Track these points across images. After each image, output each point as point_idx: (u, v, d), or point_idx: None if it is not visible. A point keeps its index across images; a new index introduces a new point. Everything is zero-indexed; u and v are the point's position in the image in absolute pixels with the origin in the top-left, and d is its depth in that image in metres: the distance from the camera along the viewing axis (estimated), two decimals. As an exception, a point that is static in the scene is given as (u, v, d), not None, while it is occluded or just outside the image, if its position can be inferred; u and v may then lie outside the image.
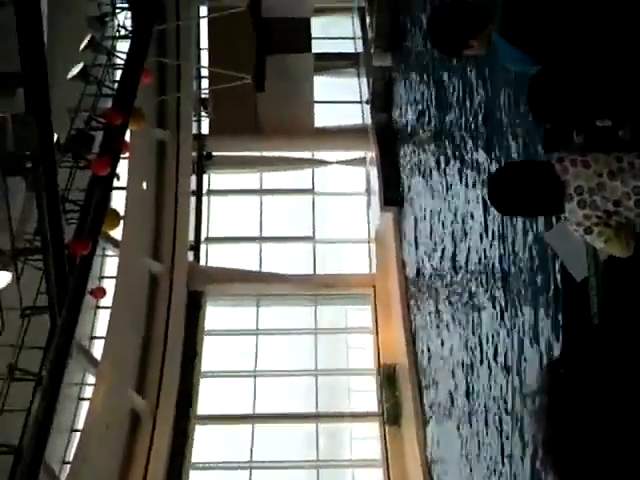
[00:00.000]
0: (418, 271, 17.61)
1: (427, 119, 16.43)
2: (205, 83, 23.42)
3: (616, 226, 3.30)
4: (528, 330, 9.83)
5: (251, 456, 18.97)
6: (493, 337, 11.65)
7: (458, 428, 13.75)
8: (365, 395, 19.94)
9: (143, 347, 18.85)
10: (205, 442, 18.92)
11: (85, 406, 16.63)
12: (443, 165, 14.82)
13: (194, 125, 22.12)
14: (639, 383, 1.31)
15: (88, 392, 17.30)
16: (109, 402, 15.98)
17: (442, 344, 15.12)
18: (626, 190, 3.27)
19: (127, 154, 15.98)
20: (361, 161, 23.04)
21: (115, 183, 14.38)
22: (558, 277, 8.19)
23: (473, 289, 12.80)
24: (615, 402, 1.34)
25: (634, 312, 3.62)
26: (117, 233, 17.36)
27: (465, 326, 13.40)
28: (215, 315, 21.33)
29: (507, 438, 10.82)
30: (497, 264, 11.23)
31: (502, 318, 11.09)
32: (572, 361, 1.46)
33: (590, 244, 3.69)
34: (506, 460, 10.90)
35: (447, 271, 14.78)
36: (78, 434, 16.07)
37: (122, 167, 15.67)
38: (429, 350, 16.46)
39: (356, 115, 23.31)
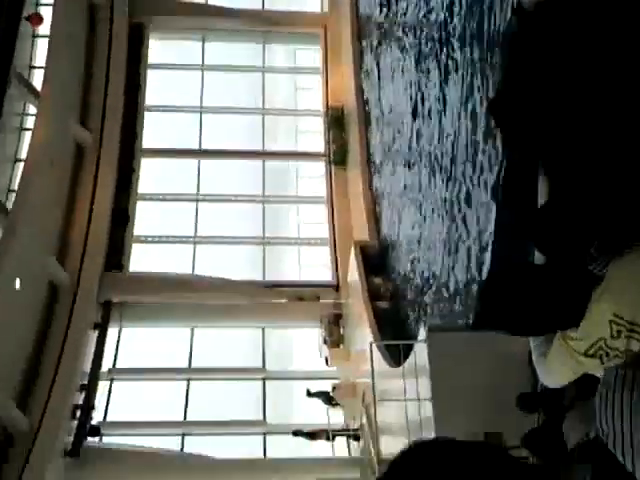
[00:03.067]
0: (372, 13, 17.11)
1: None
2: None
3: None
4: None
5: (198, 189, 19.30)
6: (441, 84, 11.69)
7: (404, 167, 14.12)
8: (312, 136, 20.05)
9: (85, 78, 18.27)
10: (151, 176, 19.08)
11: (28, 136, 16.39)
12: None
13: None
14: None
15: (30, 123, 16.95)
16: (52, 133, 15.76)
17: (393, 89, 15.09)
18: None
19: None
20: None
21: None
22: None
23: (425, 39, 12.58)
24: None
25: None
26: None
27: (417, 70, 13.33)
28: (159, 50, 20.62)
29: (449, 175, 11.24)
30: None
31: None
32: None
33: None
34: (449, 195, 11.39)
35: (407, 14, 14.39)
36: (22, 164, 15.93)
37: None
38: (378, 94, 16.45)
39: None
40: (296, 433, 14.71)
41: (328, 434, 14.27)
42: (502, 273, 2.56)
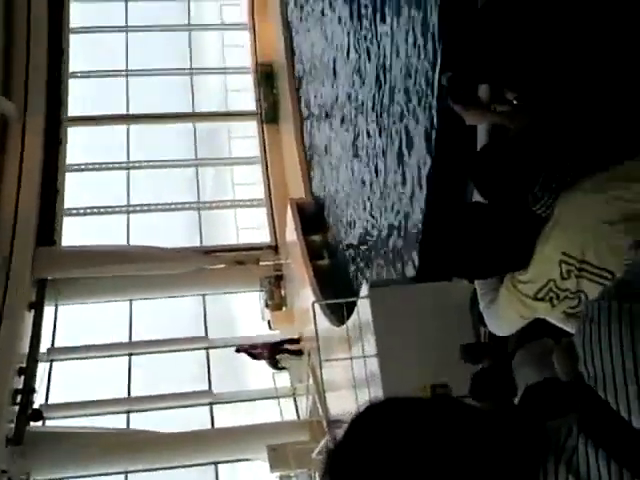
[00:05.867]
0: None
1: None
2: None
3: None
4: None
5: (128, 156, 18.62)
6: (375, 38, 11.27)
7: (336, 121, 13.73)
8: (242, 95, 19.50)
9: (4, 49, 17.34)
10: (79, 145, 18.34)
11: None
12: None
13: None
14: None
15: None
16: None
17: (326, 39, 14.57)
18: None
19: None
20: None
21: None
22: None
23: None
24: None
25: None
26: None
27: (347, 21, 12.89)
28: (81, 13, 19.70)
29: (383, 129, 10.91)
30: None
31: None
32: None
33: None
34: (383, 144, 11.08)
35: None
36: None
37: None
38: (307, 48, 15.93)
39: None
40: (239, 350, 14.52)
41: (269, 353, 14.32)
42: (447, 212, 2.45)
